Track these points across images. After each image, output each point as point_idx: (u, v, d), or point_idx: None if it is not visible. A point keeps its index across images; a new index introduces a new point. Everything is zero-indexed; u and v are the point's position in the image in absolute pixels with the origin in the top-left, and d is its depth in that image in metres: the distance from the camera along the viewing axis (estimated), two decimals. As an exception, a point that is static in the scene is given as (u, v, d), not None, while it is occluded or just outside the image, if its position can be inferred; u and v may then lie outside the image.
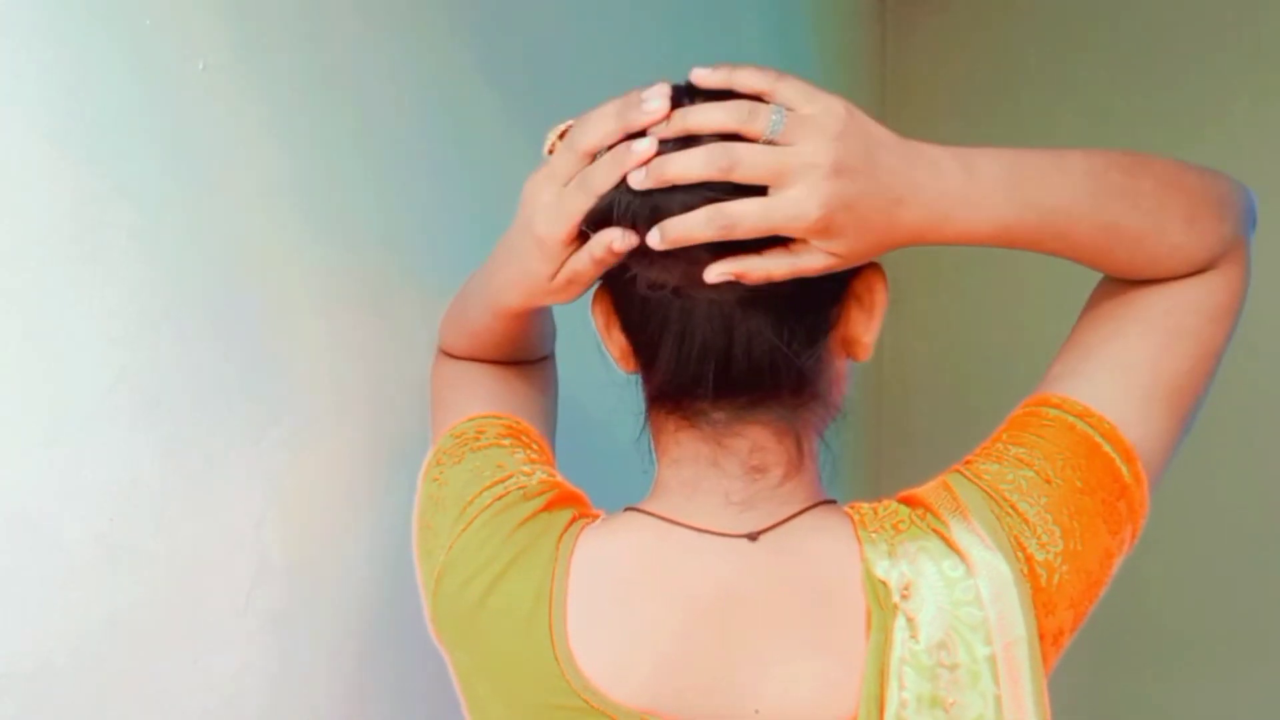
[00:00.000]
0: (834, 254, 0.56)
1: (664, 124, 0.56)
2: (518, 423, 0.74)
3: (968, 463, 0.63)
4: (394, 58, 0.90)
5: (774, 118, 0.54)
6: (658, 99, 0.56)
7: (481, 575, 0.64)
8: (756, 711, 0.58)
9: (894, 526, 0.60)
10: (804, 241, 0.56)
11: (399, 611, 0.83)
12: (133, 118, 0.67)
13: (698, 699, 0.59)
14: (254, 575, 0.76)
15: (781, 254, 0.56)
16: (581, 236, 0.61)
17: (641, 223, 0.56)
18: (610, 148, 0.57)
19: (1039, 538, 0.58)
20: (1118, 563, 0.61)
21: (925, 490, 0.62)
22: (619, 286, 0.62)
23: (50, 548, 0.62)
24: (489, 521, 0.66)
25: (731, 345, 0.59)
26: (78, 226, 0.64)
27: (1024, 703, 0.56)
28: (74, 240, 0.63)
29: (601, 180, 0.57)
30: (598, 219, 0.59)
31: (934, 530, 0.60)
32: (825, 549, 0.61)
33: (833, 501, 0.64)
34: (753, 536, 0.61)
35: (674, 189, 0.55)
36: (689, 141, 0.55)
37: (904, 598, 0.57)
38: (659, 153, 0.55)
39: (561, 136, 0.61)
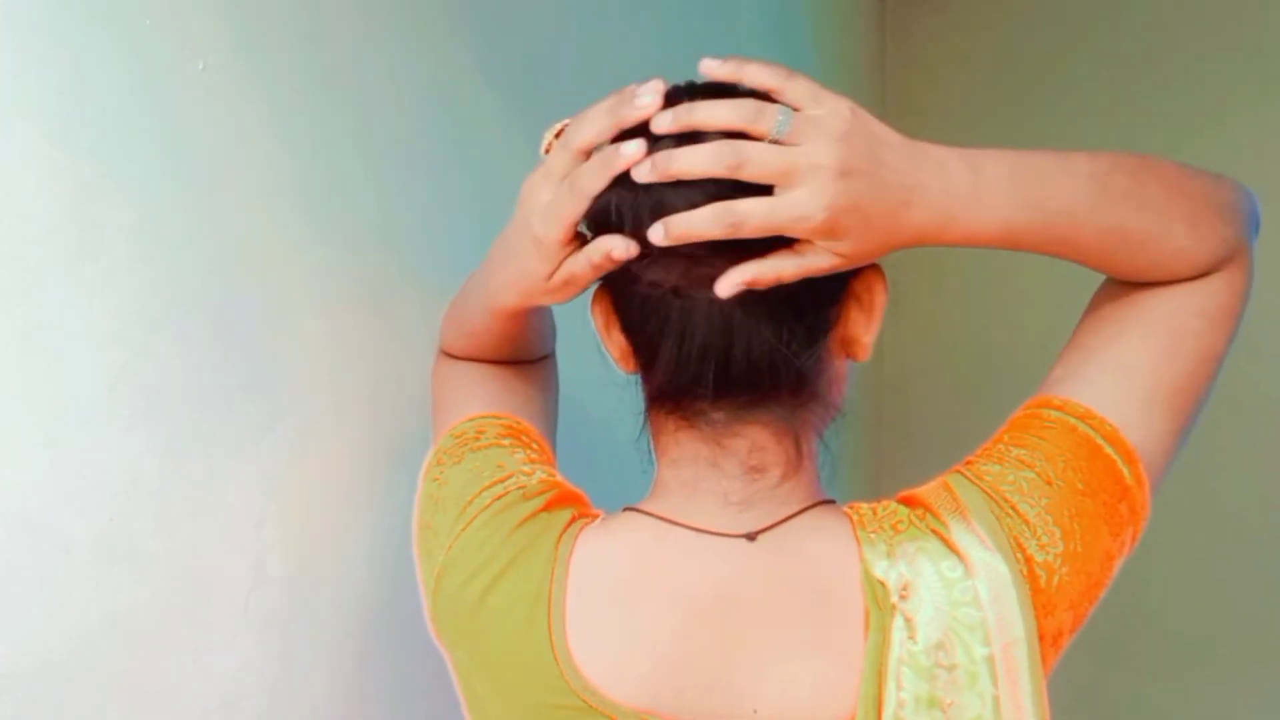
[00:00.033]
0: (840, 255, 0.56)
1: (669, 118, 0.55)
2: (518, 423, 0.74)
3: (968, 463, 0.63)
4: (394, 58, 0.90)
5: (780, 118, 0.54)
6: (650, 94, 0.56)
7: (481, 575, 0.64)
8: (755, 711, 0.58)
9: (893, 527, 0.60)
10: (809, 242, 0.56)
11: (399, 611, 0.83)
12: (133, 117, 0.67)
13: (696, 699, 0.59)
14: (254, 575, 0.76)
15: (788, 255, 0.56)
16: (579, 238, 0.61)
17: (642, 221, 0.56)
18: (613, 141, 0.57)
19: (1039, 539, 0.58)
20: (1118, 565, 0.61)
21: (925, 490, 0.62)
22: (619, 287, 0.62)
23: (50, 548, 0.62)
24: (489, 521, 0.66)
25: (731, 345, 0.59)
26: (78, 226, 0.64)
27: (1022, 703, 0.56)
28: (74, 240, 0.63)
29: (590, 182, 0.57)
30: (598, 217, 0.59)
31: (933, 531, 0.60)
32: (824, 549, 0.61)
33: (832, 502, 0.64)
34: (751, 536, 0.61)
35: (676, 185, 0.55)
36: (693, 137, 0.55)
37: (902, 598, 0.57)
38: (662, 148, 0.55)
39: (558, 136, 0.61)
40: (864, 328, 0.63)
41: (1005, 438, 0.63)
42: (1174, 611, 1.97)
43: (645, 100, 0.56)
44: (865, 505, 0.63)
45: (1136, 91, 2.00)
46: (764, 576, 0.60)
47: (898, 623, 0.57)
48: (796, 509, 0.62)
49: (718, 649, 0.59)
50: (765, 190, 0.54)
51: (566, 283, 0.62)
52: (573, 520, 0.65)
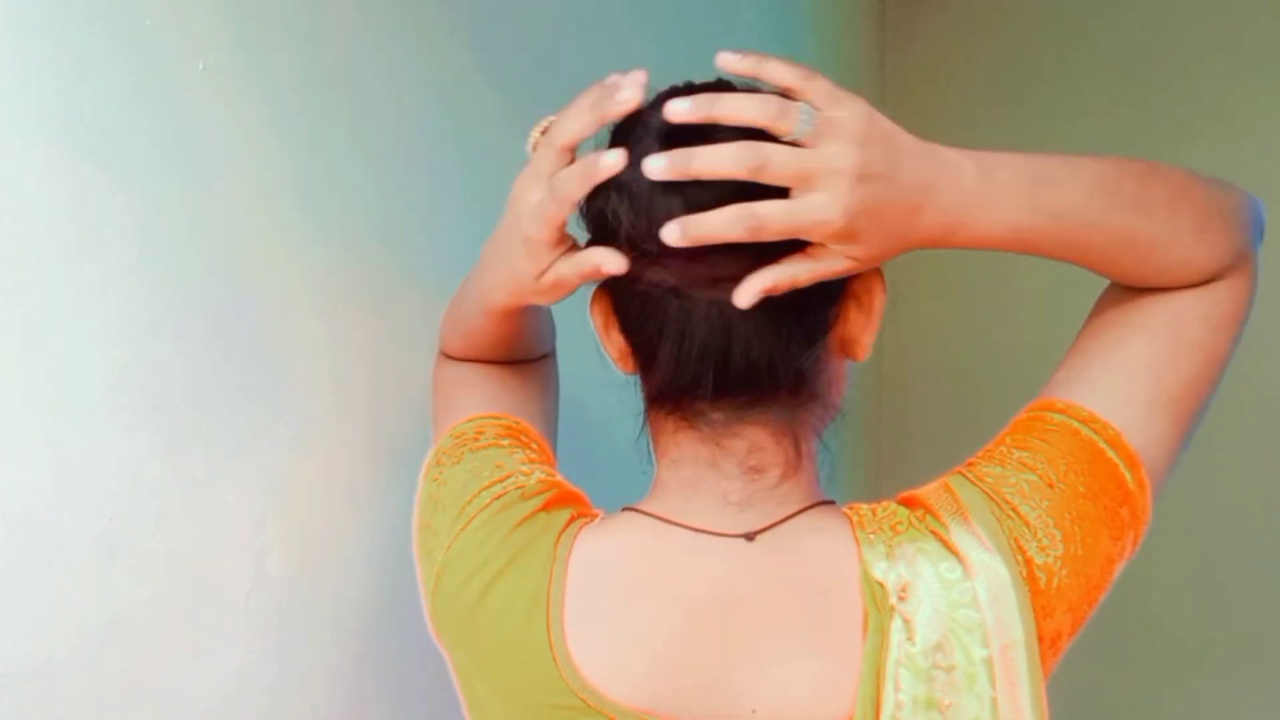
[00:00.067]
0: (853, 258, 0.56)
1: (687, 107, 0.54)
2: (517, 423, 0.74)
3: (970, 465, 0.63)
4: (394, 58, 0.90)
5: (803, 118, 0.53)
6: (631, 89, 0.56)
7: (479, 575, 0.64)
8: (753, 711, 0.58)
9: (892, 528, 0.60)
10: (821, 246, 0.55)
11: (399, 611, 0.83)
12: (133, 117, 0.67)
13: (695, 698, 0.59)
14: (254, 575, 0.76)
15: (803, 260, 0.56)
16: (569, 238, 0.61)
17: (640, 228, 0.56)
18: (610, 142, 0.57)
19: (1039, 541, 0.58)
20: (1118, 569, 0.61)
21: (926, 491, 0.62)
22: (617, 287, 0.62)
23: (50, 548, 0.62)
24: (487, 521, 0.66)
25: (730, 346, 0.59)
26: (78, 226, 0.64)
27: (1021, 705, 0.56)
28: (74, 240, 0.63)
29: (571, 189, 0.57)
30: (596, 219, 0.59)
31: (932, 532, 0.60)
32: (823, 549, 0.61)
33: (831, 502, 0.64)
34: (749, 536, 0.61)
35: (680, 187, 0.55)
36: (700, 131, 0.55)
37: (901, 599, 0.57)
38: (676, 145, 0.54)
39: (545, 133, 0.61)
40: (863, 328, 0.63)
41: (1007, 440, 0.63)
42: (1174, 613, 1.97)
43: (626, 95, 0.56)
44: (865, 506, 0.63)
45: (1137, 92, 2.00)
46: (763, 576, 0.60)
47: (896, 624, 0.57)
48: (795, 509, 0.62)
49: (716, 649, 0.59)
50: (777, 192, 0.54)
51: (555, 285, 0.62)
52: (571, 520, 0.65)
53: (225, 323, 0.74)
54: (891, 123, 0.56)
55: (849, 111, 0.54)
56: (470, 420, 0.74)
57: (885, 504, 0.63)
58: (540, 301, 0.65)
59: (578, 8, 1.17)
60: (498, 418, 0.74)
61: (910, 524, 0.60)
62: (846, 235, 0.54)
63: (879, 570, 0.58)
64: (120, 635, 0.66)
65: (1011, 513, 0.59)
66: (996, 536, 0.58)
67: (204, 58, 0.72)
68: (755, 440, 0.62)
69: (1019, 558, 0.58)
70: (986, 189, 0.57)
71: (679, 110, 0.54)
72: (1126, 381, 0.62)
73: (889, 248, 0.56)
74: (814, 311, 0.61)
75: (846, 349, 0.64)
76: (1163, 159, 0.63)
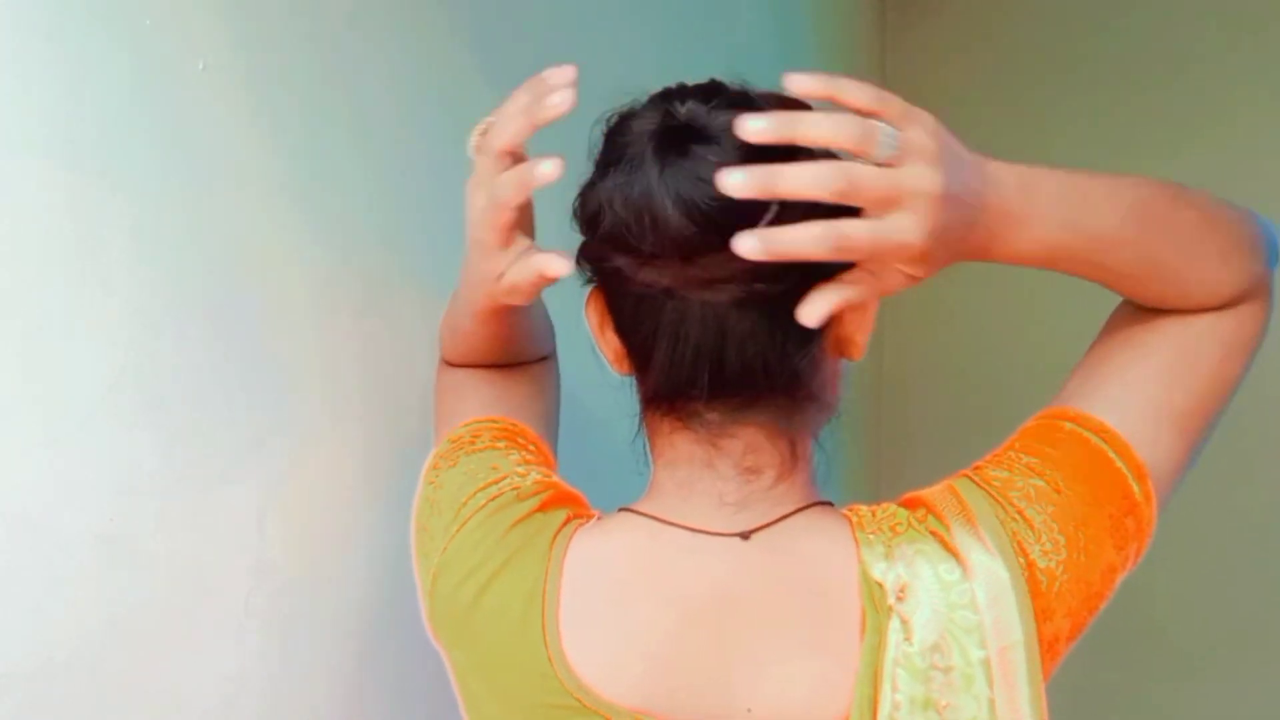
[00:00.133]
0: (911, 275, 0.55)
1: (764, 126, 0.51)
2: (514, 425, 0.74)
3: (976, 469, 0.63)
4: (394, 58, 0.90)
5: (885, 140, 0.52)
6: (560, 92, 0.57)
7: (475, 576, 0.64)
8: (749, 711, 0.58)
9: (891, 529, 0.60)
10: (883, 262, 0.55)
11: (399, 611, 0.83)
12: (133, 117, 0.67)
13: (690, 699, 0.59)
14: (254, 575, 0.76)
15: (863, 275, 0.55)
16: (525, 241, 0.62)
17: (630, 230, 0.56)
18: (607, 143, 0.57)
19: (1043, 544, 0.58)
20: (1120, 579, 0.61)
21: (929, 493, 0.62)
22: (612, 288, 0.62)
23: (50, 548, 0.62)
24: (483, 522, 0.66)
25: (725, 346, 0.59)
26: (77, 226, 0.64)
27: (1020, 706, 0.56)
28: (74, 240, 0.63)
29: (509, 195, 0.59)
30: (591, 219, 0.59)
31: (932, 533, 0.60)
32: (820, 549, 0.61)
33: (828, 503, 0.64)
34: (745, 535, 0.61)
35: (680, 192, 0.55)
36: (697, 133, 0.55)
37: (899, 600, 0.57)
38: (670, 151, 0.54)
39: (485, 134, 0.62)
40: (858, 327, 0.63)
41: (1016, 445, 0.63)
42: (1175, 615, 1.97)
43: (556, 100, 0.57)
44: (864, 507, 0.63)
45: (1136, 92, 2.00)
46: (759, 576, 0.60)
47: (894, 624, 0.57)
48: (792, 509, 0.62)
49: (712, 649, 0.59)
50: (844, 210, 0.52)
51: (511, 290, 0.63)
52: (568, 520, 0.65)
53: (225, 323, 0.74)
54: (951, 135, 0.55)
55: (922, 130, 0.53)
56: (467, 425, 0.74)
57: (885, 505, 0.63)
58: (509, 302, 0.66)
59: (578, 8, 1.17)
60: (494, 421, 0.74)
61: (910, 525, 0.60)
62: (923, 257, 0.53)
63: (877, 570, 0.58)
64: (120, 635, 0.66)
65: (1016, 515, 0.59)
66: (1000, 539, 0.58)
67: (204, 58, 0.72)
68: (751, 441, 0.61)
69: (1021, 560, 0.58)
70: (1027, 206, 0.56)
71: (756, 130, 0.51)
72: (1139, 398, 0.62)
73: (939, 264, 0.55)
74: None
75: (842, 349, 0.64)
76: (1162, 159, 0.63)
